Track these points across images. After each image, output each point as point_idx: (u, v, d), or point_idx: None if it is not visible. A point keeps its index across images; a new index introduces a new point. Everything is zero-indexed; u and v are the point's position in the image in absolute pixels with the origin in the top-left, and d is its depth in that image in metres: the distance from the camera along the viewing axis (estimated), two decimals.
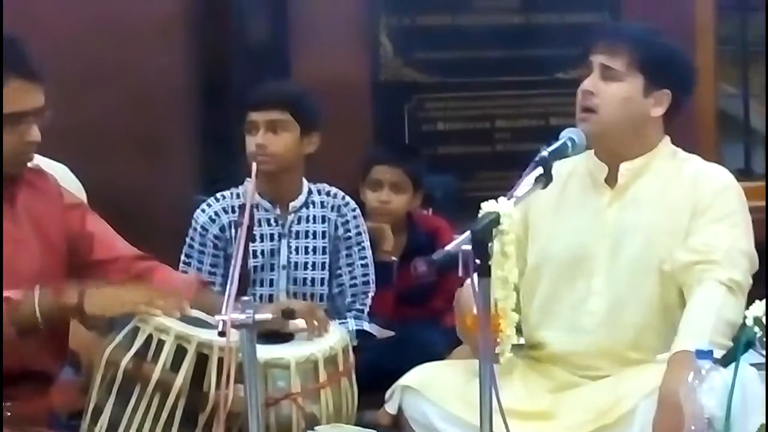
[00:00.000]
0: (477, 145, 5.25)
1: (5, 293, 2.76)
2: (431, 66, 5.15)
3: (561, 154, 2.81)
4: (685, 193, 3.03)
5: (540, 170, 2.71)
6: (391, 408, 3.05)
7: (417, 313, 4.10)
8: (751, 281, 2.95)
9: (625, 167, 3.07)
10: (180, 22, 4.75)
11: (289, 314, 2.88)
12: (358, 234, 3.81)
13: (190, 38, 4.76)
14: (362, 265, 3.81)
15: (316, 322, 2.89)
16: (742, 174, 5.24)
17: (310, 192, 3.75)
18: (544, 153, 2.74)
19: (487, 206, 2.59)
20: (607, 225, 3.06)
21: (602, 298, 3.03)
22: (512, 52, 5.22)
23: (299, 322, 2.90)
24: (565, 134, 2.86)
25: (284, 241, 3.69)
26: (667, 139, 3.12)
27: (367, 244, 3.84)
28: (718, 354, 2.66)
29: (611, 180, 3.09)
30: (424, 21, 5.16)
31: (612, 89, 3.02)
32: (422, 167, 4.33)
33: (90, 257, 3.03)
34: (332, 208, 3.77)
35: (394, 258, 4.10)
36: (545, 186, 2.72)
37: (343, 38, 4.98)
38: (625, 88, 3.02)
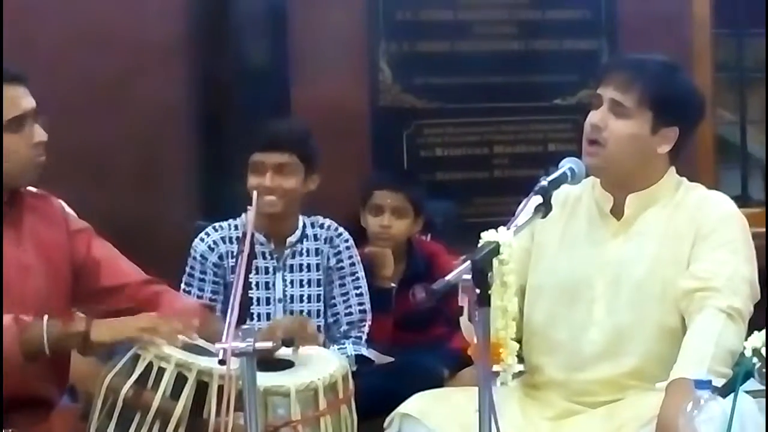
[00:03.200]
0: (475, 170, 5.26)
1: (15, 315, 2.77)
2: (430, 92, 5.16)
3: (560, 183, 2.80)
4: (688, 221, 3.02)
5: (539, 199, 2.71)
6: None
7: (416, 339, 4.09)
8: (752, 309, 2.93)
9: (631, 200, 3.05)
10: (179, 49, 4.75)
11: (288, 342, 2.89)
12: (352, 264, 3.81)
13: (189, 64, 4.77)
14: (357, 295, 3.81)
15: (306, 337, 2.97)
16: (740, 201, 5.23)
17: (304, 226, 3.76)
18: (544, 182, 2.73)
19: (487, 236, 2.59)
20: (609, 256, 3.04)
21: (602, 328, 3.01)
22: (511, 78, 5.25)
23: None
24: (565, 163, 2.84)
25: (279, 275, 3.71)
26: (672, 169, 3.09)
27: (361, 274, 3.84)
28: (718, 382, 2.66)
29: (616, 210, 3.08)
30: (423, 47, 5.18)
31: (620, 126, 2.98)
32: (423, 192, 4.33)
33: (97, 284, 3.05)
34: (325, 240, 3.78)
35: (392, 284, 4.10)
36: (545, 215, 2.72)
37: (343, 64, 4.99)
38: (633, 125, 2.99)
